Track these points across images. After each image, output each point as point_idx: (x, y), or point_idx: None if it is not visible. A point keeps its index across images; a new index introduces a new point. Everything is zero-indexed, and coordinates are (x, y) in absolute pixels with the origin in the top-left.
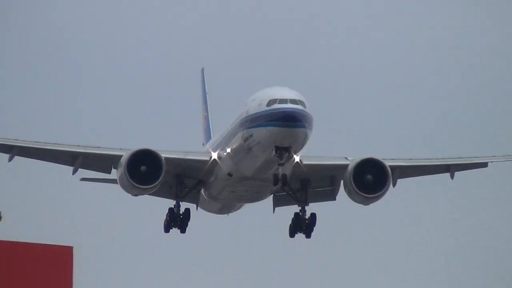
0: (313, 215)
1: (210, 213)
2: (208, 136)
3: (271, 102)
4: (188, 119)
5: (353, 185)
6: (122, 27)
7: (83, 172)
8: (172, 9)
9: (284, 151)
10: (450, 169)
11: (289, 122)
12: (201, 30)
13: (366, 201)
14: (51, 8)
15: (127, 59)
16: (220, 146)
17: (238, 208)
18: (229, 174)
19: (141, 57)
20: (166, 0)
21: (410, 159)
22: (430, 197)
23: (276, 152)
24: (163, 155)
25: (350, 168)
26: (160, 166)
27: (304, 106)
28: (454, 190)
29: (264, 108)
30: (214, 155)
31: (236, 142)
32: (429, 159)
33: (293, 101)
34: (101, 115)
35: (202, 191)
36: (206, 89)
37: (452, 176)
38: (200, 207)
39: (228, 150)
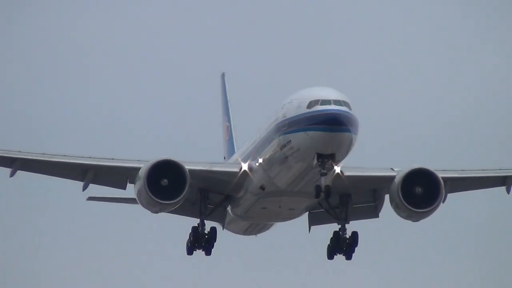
0: (354, 234)
1: (236, 234)
2: (231, 149)
3: (312, 103)
4: (207, 130)
5: (401, 199)
6: (135, 32)
7: (94, 188)
8: (186, 12)
9: (326, 158)
10: (506, 181)
11: (333, 125)
12: (220, 33)
13: (415, 217)
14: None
15: (139, 64)
16: (251, 155)
17: (268, 228)
18: (262, 188)
19: (155, 61)
20: (182, 3)
21: (462, 170)
22: (484, 213)
23: (318, 160)
24: (187, 166)
25: (397, 179)
26: (183, 179)
27: (349, 108)
28: (511, 206)
29: (304, 110)
30: (245, 166)
31: (270, 150)
32: (483, 170)
33: (337, 102)
34: (112, 124)
35: (229, 208)
36: (228, 97)
37: (508, 190)
38: (226, 228)
39: (261, 160)
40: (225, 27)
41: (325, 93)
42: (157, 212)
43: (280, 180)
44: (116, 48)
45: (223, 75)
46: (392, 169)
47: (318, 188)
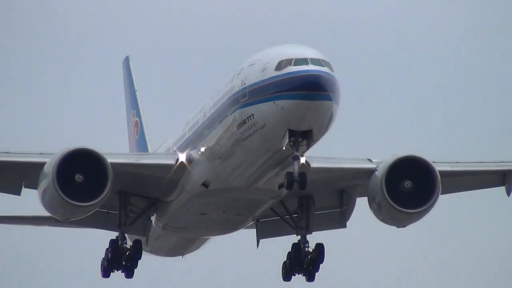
0: (319, 247)
1: (157, 256)
2: (144, 149)
3: (282, 64)
4: (108, 125)
5: (387, 196)
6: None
7: None
8: None
9: (301, 137)
10: (506, 179)
11: (312, 91)
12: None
13: (403, 220)
14: None
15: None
16: (191, 143)
17: (199, 246)
18: (205, 185)
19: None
20: None
21: (456, 162)
22: (479, 222)
23: (290, 139)
24: (108, 159)
25: (380, 172)
26: (104, 174)
27: (331, 69)
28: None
29: (272, 73)
30: (182, 157)
31: (221, 131)
32: (481, 162)
33: (316, 61)
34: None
35: (154, 218)
36: (135, 85)
37: (509, 192)
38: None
39: (206, 146)
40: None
41: (299, 50)
42: (67, 220)
43: (232, 173)
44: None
45: (126, 59)
46: (370, 160)
47: (290, 176)
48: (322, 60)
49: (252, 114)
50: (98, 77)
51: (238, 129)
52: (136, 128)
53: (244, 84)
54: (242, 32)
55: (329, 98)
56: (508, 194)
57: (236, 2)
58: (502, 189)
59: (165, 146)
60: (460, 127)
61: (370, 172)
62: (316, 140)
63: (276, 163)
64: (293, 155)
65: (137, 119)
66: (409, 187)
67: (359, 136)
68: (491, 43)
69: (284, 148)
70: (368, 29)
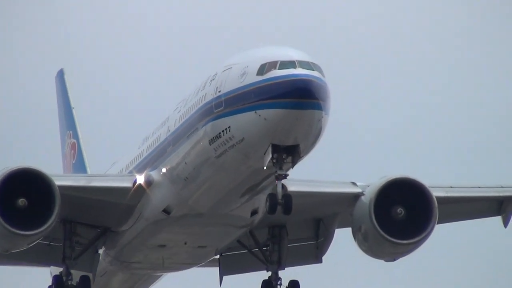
0: (293, 285)
1: None
2: (80, 171)
3: (266, 67)
4: (38, 147)
5: (376, 225)
6: None
7: None
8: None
9: (286, 153)
10: (503, 207)
11: (302, 99)
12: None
13: (394, 252)
14: None
15: None
16: (150, 162)
17: (152, 283)
18: (166, 211)
19: None
20: None
21: (450, 187)
22: (474, 257)
23: (273, 155)
24: (56, 182)
25: (368, 196)
26: (51, 198)
27: (322, 74)
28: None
29: (254, 78)
30: (141, 179)
31: (190, 147)
32: (477, 187)
33: (304, 64)
34: None
35: (102, 251)
36: (72, 103)
37: (506, 222)
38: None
39: (169, 166)
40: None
41: (284, 51)
42: (7, 252)
43: (200, 197)
44: None
45: (60, 72)
46: (354, 183)
47: (272, 198)
48: (311, 63)
49: (229, 127)
50: (27, 92)
51: (210, 145)
52: (73, 151)
53: (219, 91)
54: (195, 41)
55: (320, 107)
56: (505, 225)
57: (183, 8)
58: (498, 219)
59: (117, 167)
60: (453, 148)
61: (355, 197)
62: (303, 157)
63: (254, 185)
64: (276, 174)
65: (74, 140)
66: (401, 214)
67: (339, 156)
68: (484, 61)
69: (265, 166)
70: (353, 42)
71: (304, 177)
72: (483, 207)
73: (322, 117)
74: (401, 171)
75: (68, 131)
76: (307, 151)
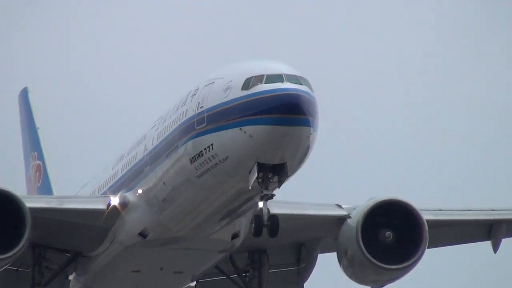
0: None
1: None
2: (46, 194)
3: (251, 81)
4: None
5: (363, 249)
6: None
7: None
8: None
9: (272, 172)
10: (493, 231)
11: (290, 114)
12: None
13: (381, 278)
14: None
15: None
16: (126, 183)
17: None
18: (142, 235)
19: None
20: None
21: (439, 210)
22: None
23: (259, 174)
24: (26, 203)
25: (356, 219)
26: (22, 220)
27: (311, 89)
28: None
29: (239, 92)
30: (115, 200)
31: (168, 166)
32: (467, 210)
33: (292, 79)
34: None
35: (73, 276)
36: (36, 122)
37: (496, 247)
38: None
39: (146, 186)
40: None
41: (270, 65)
42: None
43: (179, 219)
44: None
45: (24, 91)
46: (339, 205)
47: (258, 220)
48: (299, 76)
49: (211, 144)
50: None
51: (191, 164)
52: (38, 173)
53: (202, 107)
54: (163, 57)
55: (308, 124)
56: (495, 250)
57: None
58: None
59: (88, 189)
60: (441, 169)
61: (340, 220)
62: (290, 176)
63: (237, 206)
64: (261, 194)
65: (39, 162)
66: (390, 238)
67: (323, 177)
68: (475, 81)
69: (250, 186)
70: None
71: (285, 198)
72: (473, 231)
73: (311, 134)
74: (387, 193)
75: (33, 153)
76: (294, 170)
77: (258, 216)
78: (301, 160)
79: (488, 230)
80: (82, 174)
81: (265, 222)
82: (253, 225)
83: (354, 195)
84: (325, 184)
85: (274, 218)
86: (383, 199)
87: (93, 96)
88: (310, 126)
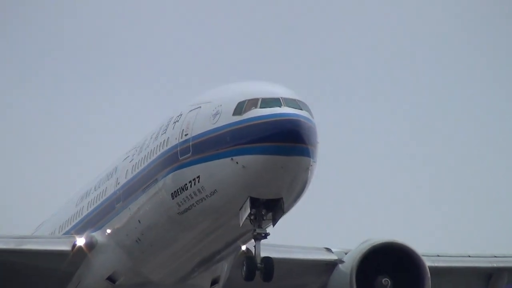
0: None
1: None
2: None
3: (244, 105)
4: None
5: None
6: None
7: None
8: None
9: (266, 208)
10: (492, 281)
11: (289, 142)
12: None
13: None
14: None
15: None
16: (93, 221)
17: None
18: (111, 279)
19: None
20: None
21: (437, 255)
22: None
23: (252, 210)
24: None
25: (350, 264)
26: None
27: (311, 114)
28: None
29: (230, 118)
30: (80, 241)
31: (145, 201)
32: (467, 256)
33: (291, 103)
34: None
35: None
36: None
37: None
38: None
39: (117, 225)
40: None
41: (266, 88)
42: None
43: (154, 263)
44: None
45: None
46: (328, 249)
47: (250, 263)
48: (298, 100)
49: (198, 177)
50: None
51: (173, 199)
52: None
53: (186, 135)
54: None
55: (308, 154)
56: None
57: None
58: None
59: (46, 228)
60: (439, 211)
61: (328, 265)
62: (285, 213)
63: (222, 248)
64: (254, 233)
65: None
66: (387, 286)
67: (310, 218)
68: (476, 118)
69: (241, 224)
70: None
71: (269, 240)
72: (473, 279)
73: (311, 165)
74: (379, 235)
75: None
76: (291, 205)
77: (250, 258)
78: (298, 195)
79: (488, 278)
80: (36, 214)
81: (258, 265)
82: (244, 268)
83: (343, 237)
84: (312, 224)
85: (268, 260)
86: (379, 242)
87: (46, 126)
88: (310, 157)
